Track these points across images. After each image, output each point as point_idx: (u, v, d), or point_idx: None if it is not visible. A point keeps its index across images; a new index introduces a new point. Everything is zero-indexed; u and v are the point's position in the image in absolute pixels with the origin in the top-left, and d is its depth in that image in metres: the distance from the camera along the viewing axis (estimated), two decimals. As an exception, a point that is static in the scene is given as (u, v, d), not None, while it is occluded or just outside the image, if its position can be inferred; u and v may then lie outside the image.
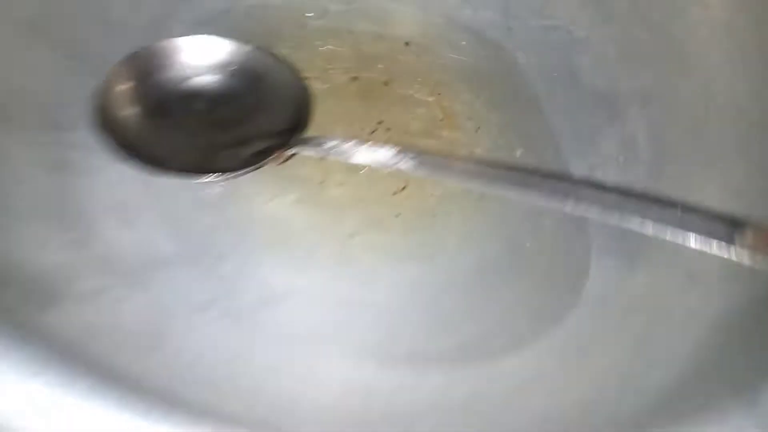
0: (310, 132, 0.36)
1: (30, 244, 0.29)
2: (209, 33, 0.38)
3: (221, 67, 0.37)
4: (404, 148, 0.33)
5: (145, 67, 0.34)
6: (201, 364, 0.28)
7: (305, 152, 0.34)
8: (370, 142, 0.33)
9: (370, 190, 0.36)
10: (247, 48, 0.37)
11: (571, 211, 0.28)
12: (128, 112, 0.32)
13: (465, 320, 0.32)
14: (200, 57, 0.36)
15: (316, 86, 0.38)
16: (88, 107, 0.33)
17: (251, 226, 0.34)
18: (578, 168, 0.38)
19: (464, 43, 0.42)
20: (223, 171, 0.32)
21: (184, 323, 0.30)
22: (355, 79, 0.39)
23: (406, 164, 0.32)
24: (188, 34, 0.37)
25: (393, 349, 0.31)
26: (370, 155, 0.33)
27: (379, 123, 0.38)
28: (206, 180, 0.32)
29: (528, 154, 0.38)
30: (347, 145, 0.33)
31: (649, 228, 0.27)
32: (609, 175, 0.36)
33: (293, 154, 0.35)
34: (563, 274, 0.34)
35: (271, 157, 0.34)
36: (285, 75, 0.37)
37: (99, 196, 0.32)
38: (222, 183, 0.33)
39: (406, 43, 0.41)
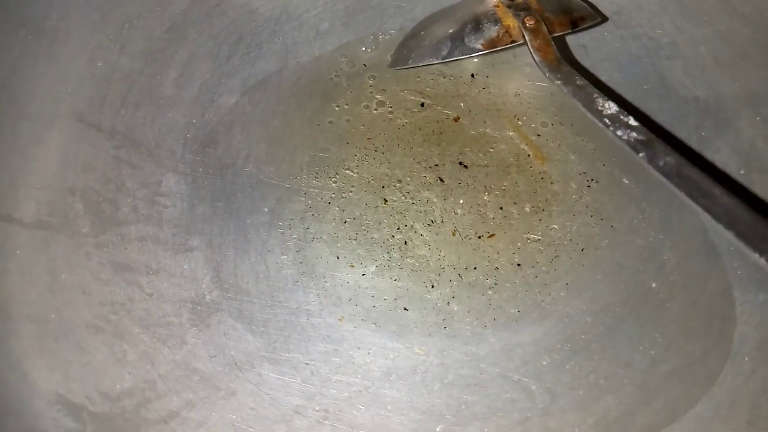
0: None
1: (99, 368, 0.25)
2: (262, 97, 0.35)
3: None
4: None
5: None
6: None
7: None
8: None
9: (460, 243, 0.32)
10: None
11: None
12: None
13: (600, 391, 0.27)
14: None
15: (380, 133, 0.35)
16: (145, 198, 0.30)
17: (337, 306, 0.30)
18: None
19: (529, 69, 0.38)
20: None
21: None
22: (423, 121, 0.35)
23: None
24: (239, 101, 0.34)
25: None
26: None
27: (459, 163, 0.34)
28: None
29: (635, 181, 0.33)
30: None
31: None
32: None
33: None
34: (705, 319, 0.28)
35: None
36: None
37: (168, 295, 0.28)
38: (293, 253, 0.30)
39: (472, 76, 0.37)
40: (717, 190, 0.22)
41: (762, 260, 0.20)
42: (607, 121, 0.26)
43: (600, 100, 0.27)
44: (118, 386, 0.25)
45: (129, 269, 0.29)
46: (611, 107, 0.26)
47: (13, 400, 0.20)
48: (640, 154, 0.24)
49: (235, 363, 0.28)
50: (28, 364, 0.23)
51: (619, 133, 0.25)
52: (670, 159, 0.23)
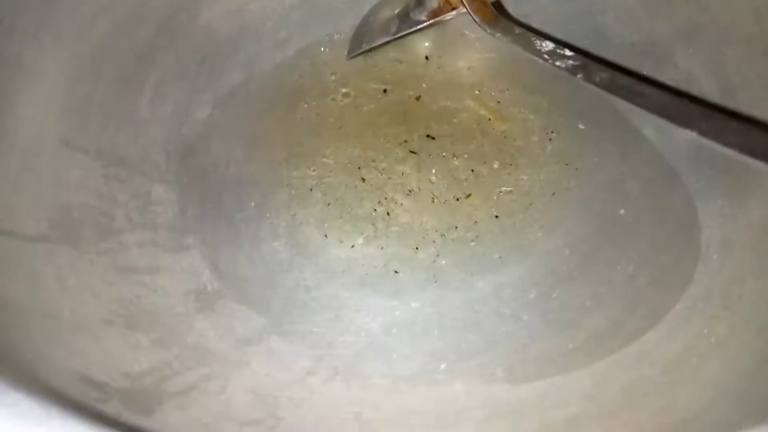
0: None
1: (116, 354, 0.27)
2: (233, 107, 0.38)
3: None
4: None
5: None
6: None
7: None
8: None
9: (439, 206, 0.34)
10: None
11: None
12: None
13: (588, 311, 0.30)
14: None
15: (349, 121, 0.38)
16: (137, 208, 0.32)
17: (332, 278, 0.32)
18: (645, 124, 0.35)
19: (478, 43, 0.41)
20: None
21: (294, 393, 0.27)
22: (388, 104, 0.38)
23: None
24: (214, 112, 0.37)
25: (523, 358, 0.28)
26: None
27: (427, 136, 0.37)
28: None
29: (591, 125, 0.36)
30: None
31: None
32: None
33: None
34: (673, 231, 0.31)
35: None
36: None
37: (172, 289, 0.30)
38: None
39: (426, 58, 0.40)
40: (648, 90, 0.25)
41: (693, 134, 0.22)
42: (546, 56, 0.29)
43: (537, 41, 0.30)
44: (136, 367, 0.26)
45: (132, 271, 0.31)
46: (548, 45, 0.29)
47: (42, 377, 0.22)
48: (578, 76, 0.27)
49: (244, 339, 0.30)
50: (50, 351, 0.25)
51: (558, 63, 0.28)
52: (604, 74, 0.26)
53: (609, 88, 0.26)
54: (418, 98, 0.40)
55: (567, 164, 0.37)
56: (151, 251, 0.33)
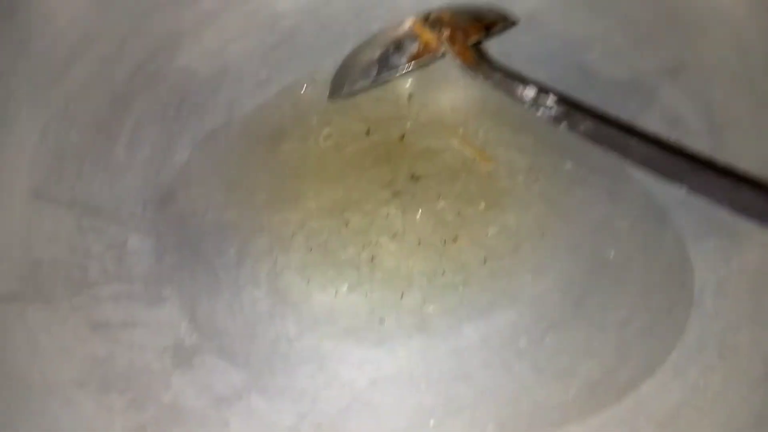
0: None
1: (88, 420, 0.26)
2: (213, 149, 0.37)
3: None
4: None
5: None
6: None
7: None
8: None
9: (425, 250, 0.33)
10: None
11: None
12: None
13: (580, 358, 0.29)
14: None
15: (332, 162, 0.37)
16: (112, 259, 0.31)
17: (315, 328, 0.31)
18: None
19: (461, 82, 0.41)
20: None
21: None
22: (371, 145, 0.38)
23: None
24: (193, 156, 0.36)
25: (515, 412, 0.27)
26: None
27: (411, 177, 0.36)
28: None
29: (577, 164, 0.35)
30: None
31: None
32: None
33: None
34: (665, 274, 0.30)
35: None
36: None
37: (148, 345, 0.29)
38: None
39: (409, 97, 0.40)
40: (632, 141, 0.24)
41: (682, 189, 0.22)
42: (529, 104, 0.29)
43: (520, 88, 0.29)
44: (109, 434, 0.25)
45: (106, 326, 0.30)
46: (531, 92, 0.29)
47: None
48: (562, 125, 0.27)
49: (223, 398, 0.29)
50: (16, 421, 0.23)
51: (541, 111, 0.28)
52: (588, 123, 0.26)
53: (593, 138, 0.26)
54: (401, 138, 0.40)
55: (554, 204, 0.37)
56: (126, 305, 0.32)
